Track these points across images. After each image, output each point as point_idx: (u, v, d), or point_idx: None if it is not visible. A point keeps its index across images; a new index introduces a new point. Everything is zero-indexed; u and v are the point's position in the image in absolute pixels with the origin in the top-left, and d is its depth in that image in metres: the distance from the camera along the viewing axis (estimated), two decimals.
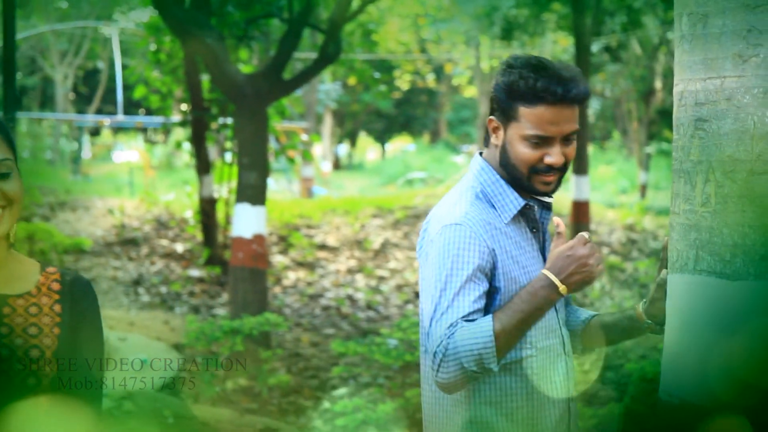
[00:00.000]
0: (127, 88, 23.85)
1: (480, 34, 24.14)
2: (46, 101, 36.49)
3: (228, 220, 12.55)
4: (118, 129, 37.14)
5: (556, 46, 25.53)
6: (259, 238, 8.21)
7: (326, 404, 6.75)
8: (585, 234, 2.44)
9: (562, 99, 2.43)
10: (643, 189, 23.50)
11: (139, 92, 13.02)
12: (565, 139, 2.48)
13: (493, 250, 2.47)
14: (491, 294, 2.48)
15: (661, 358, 2.48)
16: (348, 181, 31.41)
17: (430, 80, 38.53)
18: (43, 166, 27.20)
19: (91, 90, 36.66)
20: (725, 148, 2.25)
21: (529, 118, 2.45)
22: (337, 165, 39.00)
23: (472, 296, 2.41)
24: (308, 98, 25.05)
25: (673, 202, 2.43)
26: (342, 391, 7.08)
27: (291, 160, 13.96)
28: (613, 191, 25.37)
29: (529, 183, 2.51)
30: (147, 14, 13.61)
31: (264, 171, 8.51)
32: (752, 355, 2.22)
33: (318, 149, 31.28)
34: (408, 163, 33.74)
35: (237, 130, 9.19)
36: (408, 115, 43.71)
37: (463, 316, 2.38)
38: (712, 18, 2.26)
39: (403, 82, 34.73)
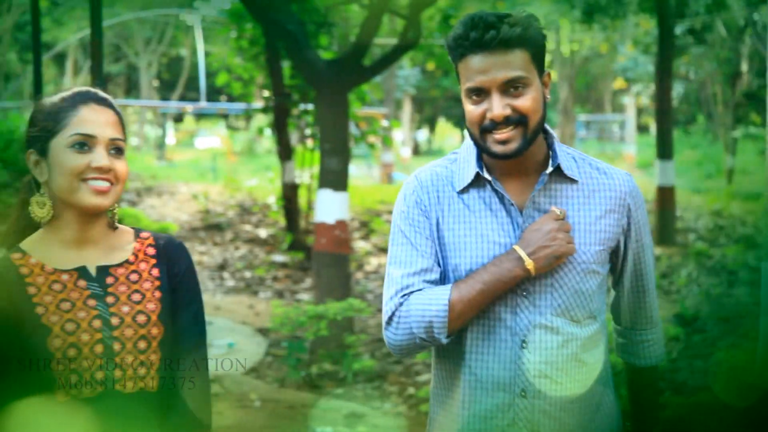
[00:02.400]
0: (210, 74, 24.13)
1: (560, 17, 23.85)
2: (131, 88, 37.14)
3: (310, 206, 12.64)
4: (200, 115, 37.65)
5: (638, 28, 25.11)
6: (341, 224, 8.25)
7: (411, 390, 6.78)
8: (557, 209, 2.31)
9: (481, 44, 2.23)
10: (730, 174, 23.03)
11: (221, 79, 13.18)
12: (507, 89, 2.26)
13: (437, 211, 2.38)
14: None
15: (754, 345, 2.43)
16: None
17: None
18: (129, 151, 27.74)
19: (174, 77, 37.21)
20: None
21: (463, 72, 2.29)
22: (416, 151, 38.98)
23: (422, 251, 2.35)
24: (387, 84, 25.07)
25: None
26: (426, 376, 7.09)
27: (371, 146, 13.99)
28: (698, 176, 24.92)
29: (485, 145, 2.30)
30: (229, 1, 13.73)
31: (345, 157, 8.54)
32: None
33: (398, 135, 31.29)
34: None
35: (318, 117, 9.23)
36: None
37: (416, 272, 2.33)
38: None
39: None
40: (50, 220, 2.21)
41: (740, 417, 2.24)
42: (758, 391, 2.20)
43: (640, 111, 40.75)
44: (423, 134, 45.35)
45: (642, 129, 40.93)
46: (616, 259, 2.47)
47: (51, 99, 2.23)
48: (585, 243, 2.36)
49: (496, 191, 2.36)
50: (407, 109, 35.99)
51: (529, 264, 2.24)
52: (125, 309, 2.20)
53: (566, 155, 2.41)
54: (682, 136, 34.61)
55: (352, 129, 13.22)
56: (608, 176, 2.42)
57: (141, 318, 2.20)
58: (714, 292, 10.24)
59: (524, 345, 2.32)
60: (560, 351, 2.34)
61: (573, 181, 2.38)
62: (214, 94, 28.82)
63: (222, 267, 11.59)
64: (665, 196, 13.25)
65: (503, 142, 2.27)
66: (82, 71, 31.28)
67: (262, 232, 13.55)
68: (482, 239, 2.34)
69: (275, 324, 7.26)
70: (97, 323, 2.15)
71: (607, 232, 2.39)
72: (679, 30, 19.33)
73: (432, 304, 2.27)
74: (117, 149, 2.21)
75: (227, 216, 14.72)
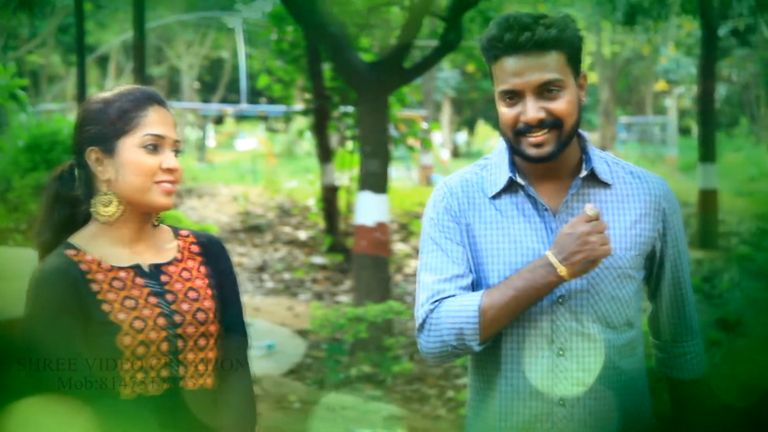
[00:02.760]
0: (251, 77, 24.26)
1: (601, 19, 23.70)
2: (173, 90, 37.42)
3: (350, 208, 12.66)
4: (240, 117, 37.84)
5: (680, 30, 24.89)
6: (381, 226, 8.24)
7: (450, 393, 6.76)
8: (590, 209, 2.18)
9: (515, 46, 2.19)
10: None
11: (262, 81, 13.24)
12: (541, 92, 2.21)
13: (468, 217, 2.34)
14: None
15: None
16: None
17: None
18: None
19: (215, 79, 37.46)
20: None
21: (497, 74, 2.24)
22: (455, 153, 38.92)
23: (453, 257, 2.31)
24: (427, 86, 25.04)
25: None
26: (465, 379, 7.07)
27: (410, 148, 13.99)
28: (741, 179, 24.66)
29: (519, 148, 2.26)
30: (270, 4, 13.80)
31: (385, 159, 8.54)
32: None
33: (437, 137, 31.27)
34: None
35: (359, 119, 9.23)
36: None
37: (448, 278, 2.28)
38: None
39: None
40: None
41: (740, 417, 2.21)
42: (758, 391, 2.18)
43: (682, 113, 40.41)
44: (462, 136, 45.25)
45: (684, 131, 40.54)
46: (651, 265, 2.41)
47: (112, 97, 2.21)
48: (621, 248, 2.31)
49: (529, 196, 2.32)
50: (447, 111, 35.95)
51: (562, 271, 2.17)
52: (185, 307, 2.21)
53: (600, 159, 2.37)
54: (725, 138, 34.28)
55: (392, 131, 13.23)
56: (642, 180, 2.38)
57: (201, 315, 2.22)
58: (757, 297, 10.11)
59: (562, 353, 2.28)
60: (598, 359, 2.29)
61: (607, 185, 2.34)
62: (254, 96, 28.97)
63: (261, 269, 11.63)
64: (708, 199, 13.12)
65: (538, 146, 2.23)
66: (125, 73, 31.58)
67: (302, 234, 13.59)
68: (516, 245, 2.30)
69: (314, 326, 7.28)
70: (162, 321, 2.16)
71: (642, 236, 2.34)
72: (722, 32, 19.14)
73: (462, 311, 2.22)
74: (177, 150, 2.24)
75: (267, 218, 14.78)
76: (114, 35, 30.14)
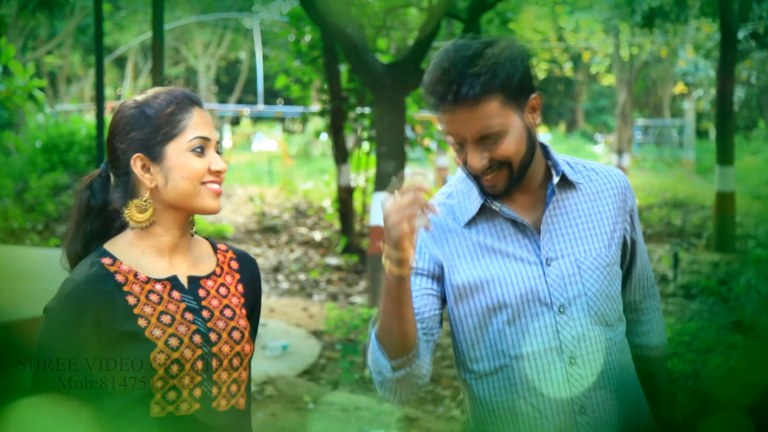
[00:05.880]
0: (267, 78, 24.31)
1: (620, 21, 23.65)
2: None
3: (365, 209, 12.67)
4: (257, 118, 37.93)
5: (699, 33, 24.81)
6: None
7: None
8: (394, 183, 2.06)
9: (445, 100, 2.14)
10: None
11: (280, 82, 13.27)
12: (481, 140, 2.17)
13: (438, 256, 2.28)
14: (450, 309, 2.30)
15: None
16: None
17: (567, 69, 37.97)
18: None
19: (232, 80, 37.55)
20: None
21: (440, 118, 2.20)
22: None
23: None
24: None
25: None
26: None
27: (427, 150, 13.98)
28: (758, 182, 24.55)
29: (478, 183, 2.25)
30: (288, 5, 13.85)
31: (402, 160, 8.55)
32: None
33: None
34: None
35: (375, 120, 9.25)
36: (544, 104, 43.09)
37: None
38: None
39: (540, 70, 34.32)
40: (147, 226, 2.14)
41: (755, 419, 2.21)
42: (758, 391, 2.18)
43: (699, 116, 40.26)
44: None
45: (701, 134, 40.37)
46: (624, 255, 2.44)
47: (150, 100, 2.14)
48: (604, 246, 2.34)
49: (506, 218, 2.29)
50: None
51: (386, 264, 2.10)
52: (221, 324, 2.15)
53: (563, 163, 2.36)
54: (743, 141, 34.14)
55: (408, 132, 13.23)
56: (605, 176, 2.41)
57: (236, 335, 2.17)
58: None
59: (573, 361, 2.27)
60: (606, 359, 2.30)
61: (575, 187, 2.35)
62: (270, 97, 29.03)
63: (277, 269, 11.65)
64: (725, 201, 13.06)
65: (490, 186, 2.23)
66: (142, 74, 31.71)
67: (317, 235, 13.61)
68: (509, 270, 2.27)
69: (329, 326, 7.29)
70: (197, 338, 2.09)
71: (617, 231, 2.37)
72: (741, 34, 19.06)
73: (371, 338, 2.22)
74: (218, 151, 2.20)
75: (282, 218, 14.80)
76: (132, 36, 30.27)
